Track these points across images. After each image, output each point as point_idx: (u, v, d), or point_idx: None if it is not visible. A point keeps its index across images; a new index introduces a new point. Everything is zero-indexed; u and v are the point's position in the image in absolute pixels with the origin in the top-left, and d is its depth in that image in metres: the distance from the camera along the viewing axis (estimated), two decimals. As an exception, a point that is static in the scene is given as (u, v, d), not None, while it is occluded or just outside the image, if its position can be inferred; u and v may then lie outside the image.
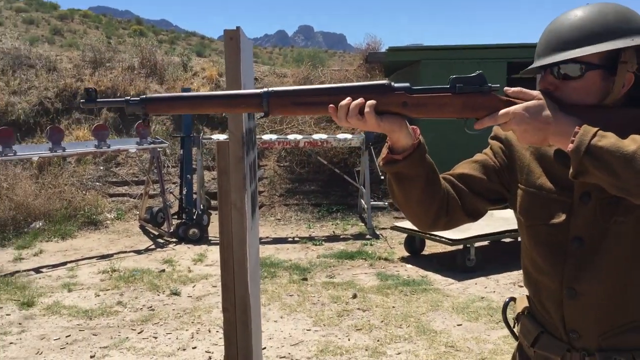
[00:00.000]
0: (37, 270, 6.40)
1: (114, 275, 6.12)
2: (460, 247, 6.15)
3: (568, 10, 1.31)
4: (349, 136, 8.18)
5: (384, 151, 1.34)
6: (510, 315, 1.65)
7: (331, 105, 1.28)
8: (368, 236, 7.77)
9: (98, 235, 8.11)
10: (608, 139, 1.11)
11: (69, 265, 6.60)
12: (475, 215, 1.48)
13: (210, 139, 8.10)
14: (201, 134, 8.52)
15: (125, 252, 7.19)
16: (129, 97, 1.35)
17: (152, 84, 11.75)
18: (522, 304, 1.57)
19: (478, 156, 1.52)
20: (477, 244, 6.19)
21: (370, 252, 6.95)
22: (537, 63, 1.31)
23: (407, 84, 1.30)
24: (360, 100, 1.26)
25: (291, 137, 8.16)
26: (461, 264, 6.06)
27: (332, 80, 11.64)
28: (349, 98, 1.27)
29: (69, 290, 5.64)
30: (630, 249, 1.27)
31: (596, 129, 1.12)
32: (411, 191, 1.36)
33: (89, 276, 6.15)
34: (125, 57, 12.55)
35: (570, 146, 1.13)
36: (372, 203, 8.31)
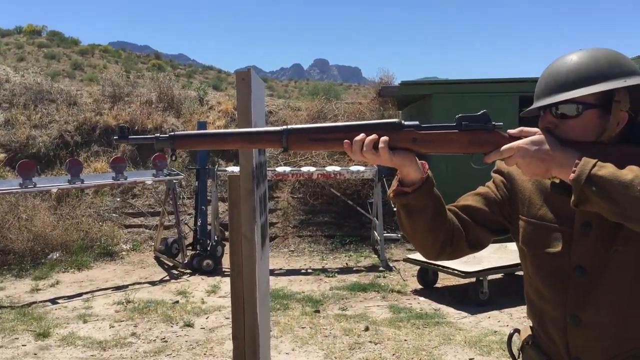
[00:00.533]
0: (54, 301, 6.49)
1: (128, 307, 6.17)
2: (473, 280, 6.13)
3: (563, 55, 1.40)
4: (361, 168, 8.26)
5: (394, 183, 1.43)
6: (516, 347, 1.69)
7: (346, 140, 1.37)
8: (381, 268, 7.77)
9: (114, 266, 8.20)
10: (607, 169, 1.18)
11: (84, 296, 6.68)
12: (477, 246, 1.55)
13: (225, 171, 8.22)
14: (216, 166, 8.64)
15: (140, 283, 7.26)
16: (159, 135, 1.47)
17: (169, 117, 11.99)
18: (526, 334, 1.61)
19: (481, 189, 1.60)
20: (490, 277, 6.16)
21: (383, 284, 6.94)
22: (537, 104, 1.40)
23: (416, 122, 1.39)
24: (374, 136, 1.35)
25: (304, 169, 8.26)
26: (474, 297, 6.04)
27: (345, 113, 11.79)
28: (363, 134, 1.36)
29: (84, 321, 5.70)
30: (631, 278, 1.32)
31: (595, 160, 1.20)
32: (419, 222, 1.44)
33: (104, 307, 6.21)
34: (144, 92, 12.85)
35: (572, 175, 1.20)
36: (385, 235, 8.34)
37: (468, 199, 1.57)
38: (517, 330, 1.71)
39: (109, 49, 49.68)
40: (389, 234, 8.75)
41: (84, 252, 8.40)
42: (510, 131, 1.34)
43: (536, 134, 1.30)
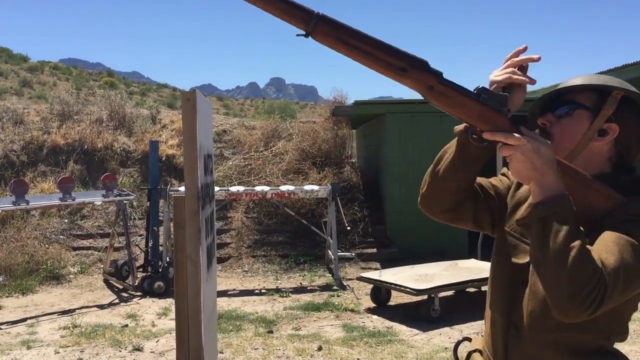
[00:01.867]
0: (-5, 326, 6.23)
1: (75, 331, 5.98)
2: (425, 297, 6.21)
3: (571, 78, 1.50)
4: (315, 187, 8.30)
5: (469, 122, 1.35)
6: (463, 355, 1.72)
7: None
8: (335, 287, 7.79)
9: (60, 290, 7.94)
10: (565, 226, 1.18)
11: (29, 321, 6.43)
12: (478, 223, 1.57)
13: (178, 190, 8.11)
14: (168, 186, 8.53)
15: (87, 307, 7.05)
16: None
17: (120, 136, 11.77)
18: (476, 343, 1.66)
19: (494, 180, 1.63)
20: (441, 294, 6.26)
21: (336, 303, 6.95)
22: (542, 100, 1.50)
23: (440, 71, 1.31)
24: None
25: (258, 188, 8.23)
26: (426, 314, 6.11)
27: (300, 132, 11.83)
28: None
29: (28, 348, 5.49)
30: None
31: (571, 208, 1.21)
32: (461, 170, 1.44)
33: (49, 332, 6.00)
34: (94, 110, 12.59)
35: (538, 199, 1.22)
36: (339, 254, 8.36)
37: (483, 180, 1.59)
38: (467, 339, 1.76)
39: (59, 66, 48.61)
40: (343, 253, 8.78)
41: (29, 276, 8.11)
42: (523, 129, 1.29)
43: (544, 142, 1.26)
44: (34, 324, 6.29)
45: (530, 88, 1.40)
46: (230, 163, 11.30)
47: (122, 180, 10.50)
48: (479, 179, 1.58)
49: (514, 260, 1.47)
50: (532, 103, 1.55)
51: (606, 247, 1.22)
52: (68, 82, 39.76)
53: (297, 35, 1.29)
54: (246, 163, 11.20)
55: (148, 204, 8.00)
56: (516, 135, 1.25)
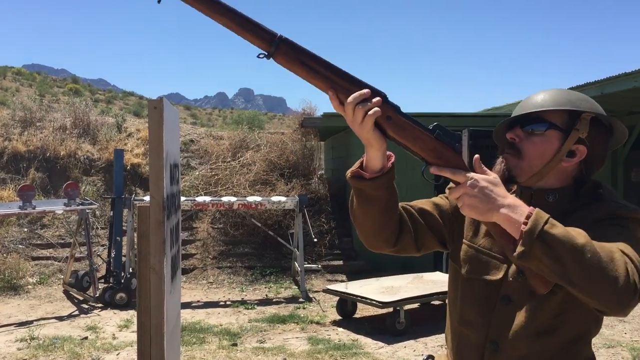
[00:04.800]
0: (-53, 339, 5.99)
1: (32, 344, 5.79)
2: (391, 310, 6.22)
3: (533, 94, 1.49)
4: (282, 199, 8.27)
5: (356, 165, 1.38)
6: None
7: (344, 85, 1.28)
8: (301, 299, 7.74)
9: (18, 301, 7.69)
10: (559, 228, 1.15)
11: (-17, 333, 6.21)
12: (423, 248, 1.55)
13: (143, 200, 7.98)
14: (133, 196, 8.38)
15: (46, 318, 6.84)
16: None
17: (84, 144, 11.55)
18: None
19: (436, 199, 1.62)
20: (406, 307, 6.28)
21: (302, 315, 6.91)
22: (513, 116, 1.47)
23: (397, 105, 1.33)
24: (378, 99, 1.27)
25: (225, 199, 8.16)
26: (391, 327, 6.12)
27: (268, 143, 11.81)
28: (368, 90, 1.28)
29: (-19, 361, 5.30)
30: (550, 318, 1.37)
31: (548, 215, 1.17)
32: (369, 210, 1.41)
33: (5, 345, 5.80)
34: (58, 117, 12.34)
35: (525, 227, 1.15)
36: (305, 266, 8.33)
37: (425, 204, 1.58)
38: (430, 357, 1.73)
39: (22, 72, 47.57)
40: (309, 265, 8.75)
41: (-15, 286, 7.84)
42: (475, 159, 1.29)
43: (492, 175, 1.26)
44: (-11, 336, 6.08)
45: (494, 103, 1.41)
46: (197, 173, 11.19)
47: (85, 188, 10.28)
48: (419, 202, 1.58)
49: (487, 277, 1.46)
50: (498, 123, 1.56)
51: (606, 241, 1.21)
52: (31, 88, 38.90)
53: (259, 55, 1.29)
54: (213, 173, 11.10)
55: (111, 213, 7.85)
56: (461, 171, 1.26)
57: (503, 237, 1.25)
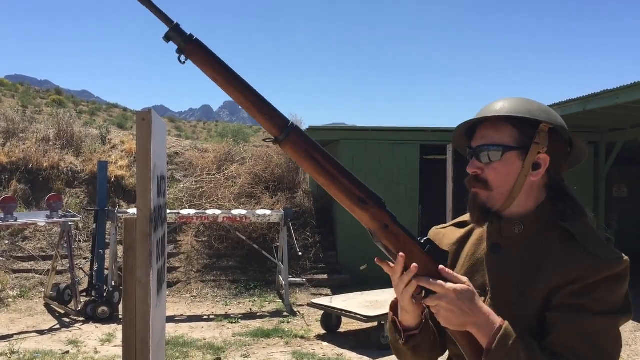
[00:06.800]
0: None
1: (12, 358, 5.70)
2: (375, 324, 6.21)
3: (493, 101, 1.45)
4: (268, 212, 8.25)
5: (393, 329, 1.40)
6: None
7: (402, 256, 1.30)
8: (285, 313, 7.71)
9: (-3, 315, 7.57)
10: (524, 351, 1.20)
11: (-39, 347, 6.09)
12: (443, 347, 1.54)
13: (126, 212, 7.92)
14: (116, 208, 8.32)
15: (27, 332, 6.73)
16: (179, 24, 1.30)
17: (68, 156, 11.45)
18: None
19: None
20: (391, 321, 6.27)
21: (287, 329, 6.87)
22: (470, 119, 1.44)
23: (393, 213, 1.33)
24: (414, 266, 1.28)
25: (210, 212, 8.12)
26: (375, 341, 6.11)
27: (253, 156, 11.80)
28: (415, 265, 1.28)
29: (-41, 376, 5.20)
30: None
31: (514, 336, 1.22)
32: (424, 349, 1.44)
33: (-17, 359, 5.70)
34: (41, 128, 12.22)
35: (488, 344, 1.23)
36: (290, 279, 8.30)
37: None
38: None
39: (5, 82, 47.14)
40: (293, 279, 8.73)
41: (-36, 299, 7.70)
42: (444, 269, 1.30)
43: (466, 283, 1.28)
44: (-33, 351, 5.96)
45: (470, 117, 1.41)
46: (182, 185, 11.14)
47: (68, 200, 10.17)
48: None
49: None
50: (452, 135, 1.53)
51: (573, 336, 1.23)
52: (14, 99, 38.46)
53: (266, 139, 1.30)
54: (198, 186, 11.06)
55: (94, 225, 7.77)
56: (440, 282, 1.26)
57: (468, 349, 1.29)
